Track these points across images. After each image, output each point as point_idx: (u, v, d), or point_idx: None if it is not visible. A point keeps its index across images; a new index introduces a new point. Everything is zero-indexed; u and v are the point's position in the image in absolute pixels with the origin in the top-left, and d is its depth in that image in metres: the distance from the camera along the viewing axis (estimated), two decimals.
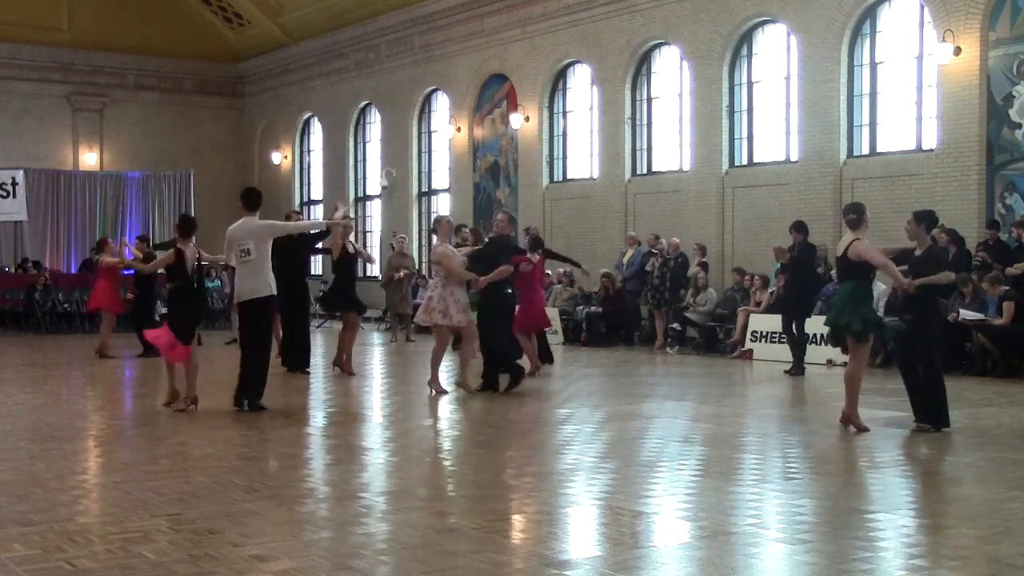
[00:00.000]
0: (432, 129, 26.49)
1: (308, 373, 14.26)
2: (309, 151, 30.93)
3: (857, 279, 9.83)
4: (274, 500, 6.86)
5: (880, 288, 15.28)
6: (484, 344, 12.45)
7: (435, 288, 12.05)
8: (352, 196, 28.64)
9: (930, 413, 9.66)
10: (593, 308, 19.63)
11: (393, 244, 21.22)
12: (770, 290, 16.83)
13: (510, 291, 12.92)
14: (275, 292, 10.91)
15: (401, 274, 20.12)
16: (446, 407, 11.36)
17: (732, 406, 11.77)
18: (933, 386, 9.69)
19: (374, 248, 28.15)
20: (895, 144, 17.21)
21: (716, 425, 10.10)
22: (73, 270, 27.11)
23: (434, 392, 12.00)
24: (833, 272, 13.70)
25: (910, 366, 9.84)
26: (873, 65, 17.43)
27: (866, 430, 9.51)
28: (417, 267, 22.94)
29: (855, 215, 9.90)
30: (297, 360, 14.28)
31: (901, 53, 17.13)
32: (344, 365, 14.22)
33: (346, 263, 14.39)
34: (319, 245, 14.97)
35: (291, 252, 13.81)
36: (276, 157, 31.11)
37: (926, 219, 10.00)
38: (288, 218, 14.96)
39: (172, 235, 19.60)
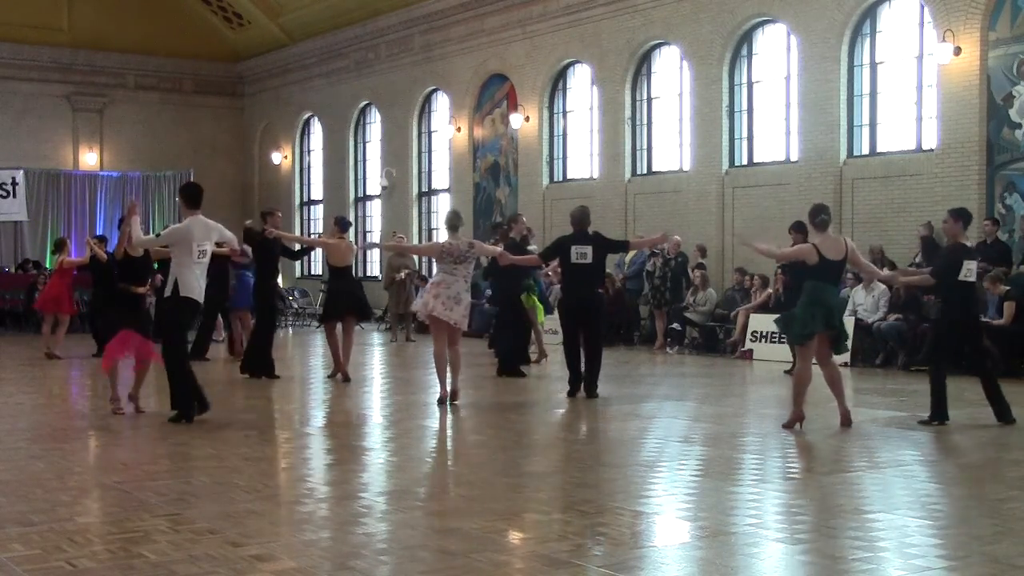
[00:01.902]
0: (432, 129, 26.48)
1: (278, 377, 13.87)
2: (309, 151, 30.93)
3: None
4: (274, 500, 6.86)
5: (880, 288, 15.30)
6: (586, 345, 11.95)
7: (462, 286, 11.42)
8: (352, 196, 28.67)
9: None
10: None
11: None
12: (769, 290, 16.82)
13: (600, 291, 12.30)
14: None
15: (402, 275, 20.14)
16: (446, 408, 11.32)
17: (732, 406, 11.77)
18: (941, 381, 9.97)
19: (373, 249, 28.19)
20: (895, 144, 17.21)
21: (716, 425, 10.09)
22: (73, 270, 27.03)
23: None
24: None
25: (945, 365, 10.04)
26: (873, 65, 17.43)
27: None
28: (418, 267, 22.91)
29: (828, 216, 9.94)
30: (264, 365, 13.86)
31: (901, 53, 17.12)
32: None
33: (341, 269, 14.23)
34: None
35: (270, 256, 14.05)
36: (276, 157, 31.11)
37: (964, 216, 10.15)
38: (266, 217, 14.60)
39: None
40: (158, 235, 11.07)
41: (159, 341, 10.54)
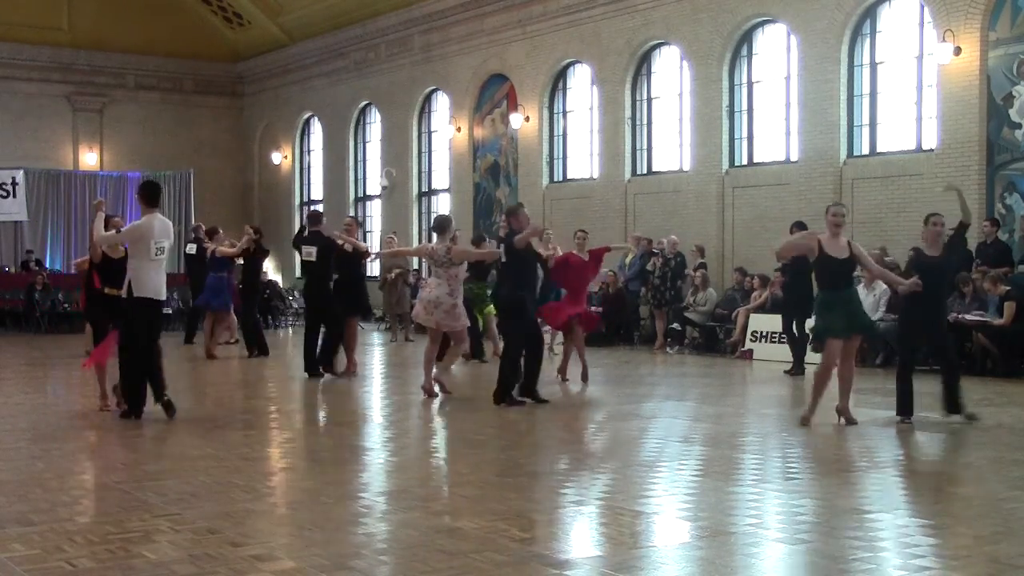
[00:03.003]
0: (432, 129, 26.48)
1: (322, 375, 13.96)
2: (309, 151, 30.93)
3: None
4: (274, 500, 6.85)
5: (880, 287, 15.28)
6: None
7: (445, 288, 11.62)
8: (352, 196, 28.67)
9: (910, 404, 10.01)
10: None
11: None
12: (770, 290, 16.82)
13: (521, 293, 11.56)
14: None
15: (392, 275, 20.20)
16: (446, 408, 11.34)
17: (732, 406, 11.77)
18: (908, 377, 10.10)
19: (373, 249, 28.15)
20: (895, 144, 17.21)
21: (716, 425, 10.09)
22: (72, 270, 27.04)
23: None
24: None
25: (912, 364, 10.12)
26: (873, 65, 17.43)
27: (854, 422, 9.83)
28: (415, 266, 22.91)
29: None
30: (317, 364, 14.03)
31: (901, 53, 17.13)
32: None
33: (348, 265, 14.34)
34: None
35: (328, 260, 14.06)
36: (276, 157, 31.11)
37: None
38: (317, 219, 14.79)
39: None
40: (118, 231, 11.09)
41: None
